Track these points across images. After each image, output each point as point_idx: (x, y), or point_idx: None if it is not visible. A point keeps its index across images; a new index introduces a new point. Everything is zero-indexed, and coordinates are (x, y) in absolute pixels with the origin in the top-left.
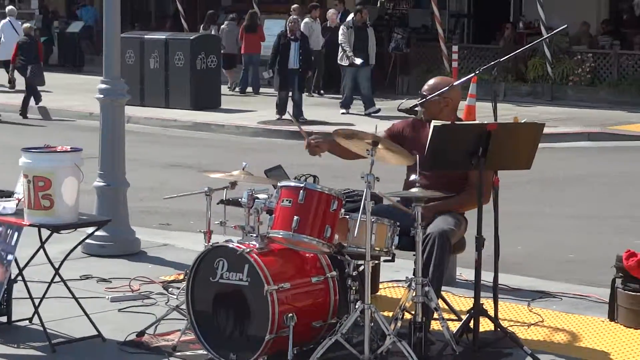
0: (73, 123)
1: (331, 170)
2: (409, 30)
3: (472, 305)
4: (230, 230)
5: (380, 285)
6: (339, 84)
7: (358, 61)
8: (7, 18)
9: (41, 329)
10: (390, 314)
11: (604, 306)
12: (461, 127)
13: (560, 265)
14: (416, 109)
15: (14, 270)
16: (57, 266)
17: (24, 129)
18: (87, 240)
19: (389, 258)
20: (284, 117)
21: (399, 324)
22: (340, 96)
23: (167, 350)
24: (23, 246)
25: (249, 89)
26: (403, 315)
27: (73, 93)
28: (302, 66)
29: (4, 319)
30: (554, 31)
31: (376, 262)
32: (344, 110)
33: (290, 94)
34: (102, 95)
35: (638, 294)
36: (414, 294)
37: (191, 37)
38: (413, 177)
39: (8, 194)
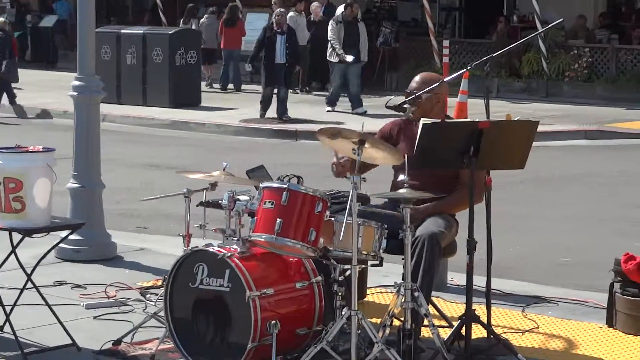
0: (47, 122)
1: (316, 170)
2: (398, 24)
3: (463, 311)
4: (211, 233)
5: (368, 291)
6: (324, 81)
7: (349, 58)
8: None
9: (13, 337)
10: (378, 320)
11: (601, 312)
12: (452, 125)
13: (555, 269)
14: (405, 106)
15: None
16: (29, 272)
17: None
18: (61, 245)
19: (377, 262)
20: (285, 117)
21: (387, 331)
22: (326, 93)
23: (145, 359)
24: None
25: (230, 86)
26: (392, 321)
27: (46, 90)
28: (289, 60)
29: None
30: (549, 25)
31: (363, 266)
32: (329, 108)
33: (275, 90)
34: (76, 93)
35: (637, 299)
36: (402, 300)
37: (170, 32)
38: (402, 177)
39: None
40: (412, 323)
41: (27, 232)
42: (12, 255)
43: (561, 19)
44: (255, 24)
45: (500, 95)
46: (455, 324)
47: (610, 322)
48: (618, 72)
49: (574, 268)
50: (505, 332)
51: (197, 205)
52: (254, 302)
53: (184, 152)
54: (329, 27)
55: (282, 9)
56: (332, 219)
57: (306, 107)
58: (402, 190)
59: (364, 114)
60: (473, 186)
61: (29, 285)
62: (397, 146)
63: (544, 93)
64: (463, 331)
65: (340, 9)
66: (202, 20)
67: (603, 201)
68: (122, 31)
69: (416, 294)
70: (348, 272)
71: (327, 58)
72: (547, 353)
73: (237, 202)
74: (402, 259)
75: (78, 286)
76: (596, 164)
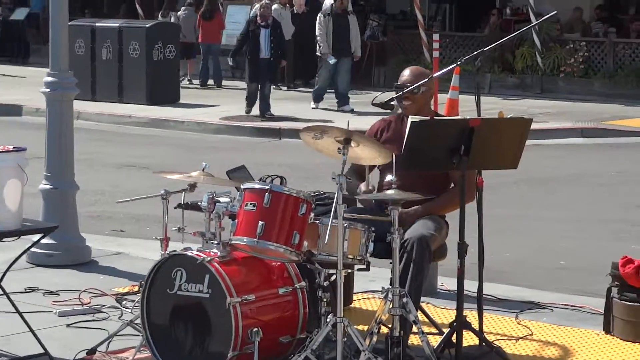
0: (18, 120)
1: (300, 171)
2: (386, 16)
3: (454, 318)
4: (189, 237)
5: (354, 297)
6: (310, 77)
7: (331, 60)
8: None
9: None
10: (365, 327)
11: (598, 318)
12: (441, 123)
13: (550, 273)
14: (392, 103)
15: None
16: None
17: None
18: (33, 249)
19: (364, 266)
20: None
21: (374, 338)
22: (311, 90)
23: None
24: None
25: (211, 82)
26: (379, 329)
27: (18, 86)
28: (274, 55)
29: None
30: (544, 17)
31: (349, 271)
32: (315, 105)
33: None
34: (48, 89)
35: (636, 304)
36: (390, 306)
37: (147, 25)
38: (389, 177)
39: None
40: (401, 330)
41: None
42: None
43: (555, 12)
44: (236, 16)
45: (492, 92)
46: (446, 331)
47: (607, 329)
48: (616, 67)
49: (569, 272)
50: (497, 340)
51: (175, 208)
52: (235, 309)
53: (162, 152)
54: (317, 21)
55: (266, 1)
56: (317, 221)
57: (290, 104)
58: (389, 192)
59: (350, 112)
60: (464, 188)
61: None
62: (386, 145)
63: (539, 89)
64: (454, 338)
65: (329, 1)
66: (179, 12)
67: (600, 202)
68: (97, 24)
69: (405, 299)
70: (333, 277)
71: (317, 53)
72: None
73: (217, 204)
74: (390, 263)
75: (51, 292)
76: (593, 164)
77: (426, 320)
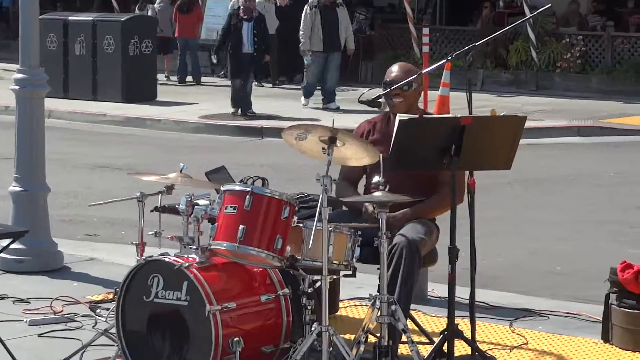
0: None
1: (283, 172)
2: (373, 10)
3: (445, 326)
4: (167, 241)
5: (340, 304)
6: (294, 74)
7: (307, 60)
8: None
9: None
10: (352, 337)
11: (596, 326)
12: (431, 121)
13: (546, 279)
14: (379, 100)
15: None
16: None
17: None
18: (1, 255)
19: (350, 272)
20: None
21: (361, 348)
22: (295, 86)
23: None
24: None
25: (189, 78)
26: (366, 338)
27: None
28: (257, 50)
29: None
30: (539, 10)
31: (335, 277)
32: (305, 101)
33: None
34: (18, 87)
35: (635, 311)
36: (378, 314)
37: (122, 19)
38: (377, 178)
39: None
40: (389, 339)
41: None
42: None
43: (550, 4)
44: (216, 10)
45: (485, 88)
46: (437, 340)
47: (606, 337)
48: (614, 62)
49: (566, 278)
50: (491, 349)
51: (152, 211)
52: (215, 317)
53: (138, 152)
54: (303, 14)
55: None
56: (301, 225)
57: (273, 101)
58: (377, 194)
59: (336, 109)
60: (455, 189)
61: None
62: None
63: (534, 85)
64: (445, 348)
65: None
66: (155, 5)
67: (598, 204)
68: (70, 18)
69: (393, 307)
70: (318, 284)
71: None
72: None
73: (195, 207)
74: (378, 268)
75: (21, 300)
76: (590, 164)
77: (416, 328)
